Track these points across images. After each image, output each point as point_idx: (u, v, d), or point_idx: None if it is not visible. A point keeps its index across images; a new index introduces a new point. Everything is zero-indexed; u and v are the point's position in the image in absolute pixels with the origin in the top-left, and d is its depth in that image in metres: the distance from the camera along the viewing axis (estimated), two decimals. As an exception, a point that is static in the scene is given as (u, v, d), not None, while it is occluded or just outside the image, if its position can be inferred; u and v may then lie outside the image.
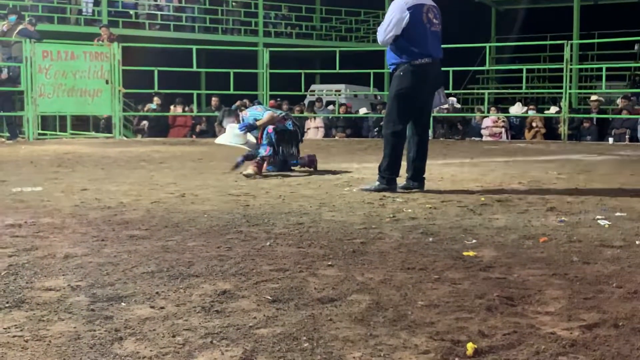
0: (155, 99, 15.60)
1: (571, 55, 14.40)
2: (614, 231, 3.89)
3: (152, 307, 2.44)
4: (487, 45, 16.21)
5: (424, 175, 5.73)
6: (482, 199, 5.14)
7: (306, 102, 17.95)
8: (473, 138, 15.12)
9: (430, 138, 6.20)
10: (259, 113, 7.06)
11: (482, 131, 15.38)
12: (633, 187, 5.96)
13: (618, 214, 4.46)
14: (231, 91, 14.62)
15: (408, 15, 5.46)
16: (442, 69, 5.87)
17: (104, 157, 8.92)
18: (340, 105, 16.57)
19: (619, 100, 15.51)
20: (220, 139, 7.29)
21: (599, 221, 4.18)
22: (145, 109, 16.09)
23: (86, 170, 7.31)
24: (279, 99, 16.24)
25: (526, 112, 15.37)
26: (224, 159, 8.71)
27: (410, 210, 4.62)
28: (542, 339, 2.13)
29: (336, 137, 15.57)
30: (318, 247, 3.44)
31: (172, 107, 15.88)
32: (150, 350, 2.03)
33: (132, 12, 20.93)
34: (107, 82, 13.57)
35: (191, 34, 21.20)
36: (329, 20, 25.05)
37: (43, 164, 7.91)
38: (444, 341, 2.11)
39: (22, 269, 2.95)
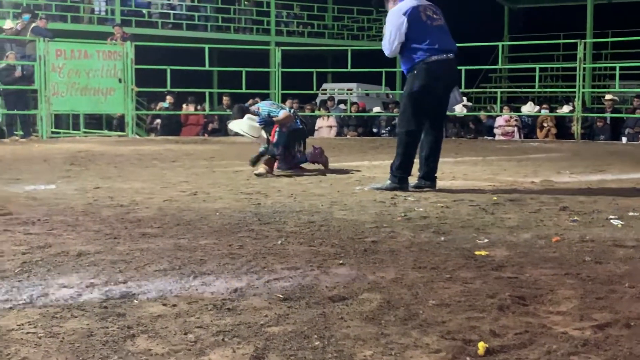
0: (169, 97, 15.65)
1: (584, 54, 14.34)
2: (627, 231, 3.87)
3: (164, 304, 2.45)
4: (500, 44, 16.16)
5: (435, 175, 5.72)
6: (495, 198, 5.13)
7: (318, 100, 17.96)
8: (485, 137, 15.08)
9: (442, 137, 6.18)
10: (274, 110, 7.01)
11: (495, 130, 15.33)
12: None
13: (631, 213, 4.44)
14: (243, 90, 14.65)
15: (405, 19, 5.46)
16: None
17: (117, 156, 8.96)
18: (352, 104, 16.56)
19: (633, 100, 15.42)
20: (234, 125, 7.12)
21: (611, 221, 4.16)
22: (158, 107, 16.14)
23: (99, 168, 7.34)
24: (295, 99, 16.20)
25: (538, 111, 15.30)
26: (236, 157, 8.73)
27: (421, 209, 4.61)
28: (553, 339, 2.12)
29: (348, 136, 15.57)
30: (329, 246, 3.44)
31: (184, 105, 15.93)
32: (162, 348, 2.04)
33: (145, 11, 21.00)
34: (120, 80, 13.63)
35: (204, 33, 21.25)
36: (341, 19, 25.03)
37: (56, 162, 7.95)
38: (455, 340, 2.11)
39: (35, 267, 2.97)
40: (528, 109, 15.55)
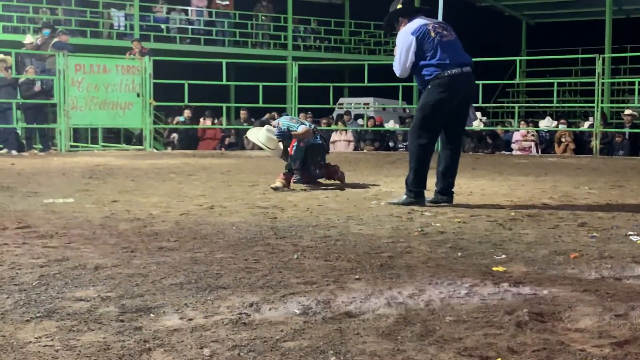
0: (187, 111, 15.76)
1: (603, 69, 14.25)
2: (647, 247, 3.82)
3: (180, 318, 2.46)
4: (518, 58, 16.12)
5: (453, 190, 5.69)
6: (512, 213, 5.09)
7: (335, 115, 17.99)
8: (503, 152, 15.02)
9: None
10: (293, 125, 7.04)
11: (512, 145, 15.27)
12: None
13: (651, 229, 4.39)
14: (260, 104, 14.71)
15: (413, 39, 5.47)
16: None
17: (135, 169, 9.02)
18: (369, 118, 16.57)
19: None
20: (253, 134, 7.15)
21: (631, 237, 4.12)
22: (175, 121, 16.24)
23: (117, 182, 7.39)
24: (309, 112, 16.26)
25: (556, 126, 15.23)
26: (252, 171, 8.76)
27: (438, 225, 4.59)
28: (572, 356, 2.10)
29: (364, 150, 15.57)
30: (345, 261, 3.43)
31: (201, 119, 16.03)
32: (178, 362, 2.04)
33: (163, 26, 21.18)
34: (138, 95, 13.74)
35: (221, 47, 21.40)
36: (358, 33, 25.10)
37: (74, 176, 8.01)
38: (472, 357, 2.09)
39: (53, 280, 2.99)
40: (546, 123, 15.48)
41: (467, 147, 14.88)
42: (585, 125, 15.01)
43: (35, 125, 13.11)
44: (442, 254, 3.62)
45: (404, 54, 5.53)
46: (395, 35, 5.77)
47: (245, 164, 10.48)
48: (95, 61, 13.67)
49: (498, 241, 4.00)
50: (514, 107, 18.10)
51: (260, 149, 7.31)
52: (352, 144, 15.97)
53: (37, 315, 2.47)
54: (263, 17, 22.70)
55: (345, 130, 16.18)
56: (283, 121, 7.16)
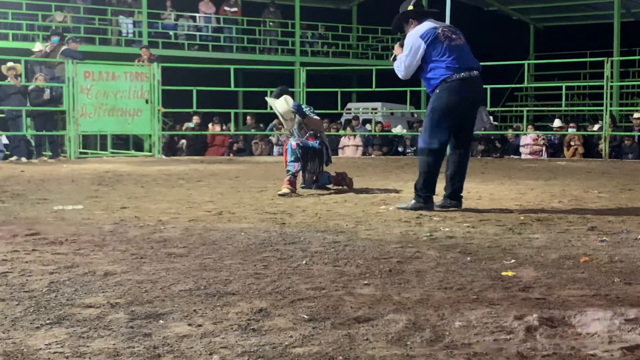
0: (195, 118, 15.78)
1: (612, 72, 14.20)
2: (657, 251, 3.80)
3: (189, 324, 2.46)
4: (526, 62, 16.09)
5: (461, 194, 5.68)
6: (522, 218, 5.08)
7: (343, 120, 17.99)
8: (512, 156, 14.98)
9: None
10: (309, 112, 7.11)
11: (521, 149, 15.24)
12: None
13: (661, 233, 4.37)
14: (268, 110, 14.68)
15: (422, 42, 5.46)
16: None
17: (144, 176, 9.04)
18: (377, 123, 16.58)
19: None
20: (272, 99, 7.26)
21: (641, 241, 4.10)
22: (184, 128, 16.28)
23: (126, 188, 7.41)
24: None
25: (565, 129, 15.19)
26: (260, 177, 8.76)
27: (447, 229, 4.58)
28: (583, 361, 2.09)
29: (372, 155, 15.56)
30: (354, 266, 3.43)
31: (210, 125, 16.05)
32: (188, 368, 2.04)
33: (171, 32, 21.25)
34: (147, 101, 13.79)
35: (229, 54, 21.43)
36: (366, 39, 25.10)
37: (84, 183, 8.04)
38: (482, 362, 2.08)
39: (62, 286, 3.00)
40: (557, 124, 15.46)
41: (476, 151, 14.85)
42: (595, 128, 14.95)
43: (44, 133, 13.17)
44: (452, 259, 3.61)
45: (410, 56, 5.52)
46: (404, 36, 5.76)
47: (254, 169, 10.49)
48: (104, 68, 13.73)
49: (507, 246, 3.99)
50: (522, 111, 18.05)
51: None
52: (360, 149, 15.98)
53: (47, 322, 2.48)
54: (271, 23, 22.75)
55: (354, 136, 16.18)
56: (302, 104, 7.27)
